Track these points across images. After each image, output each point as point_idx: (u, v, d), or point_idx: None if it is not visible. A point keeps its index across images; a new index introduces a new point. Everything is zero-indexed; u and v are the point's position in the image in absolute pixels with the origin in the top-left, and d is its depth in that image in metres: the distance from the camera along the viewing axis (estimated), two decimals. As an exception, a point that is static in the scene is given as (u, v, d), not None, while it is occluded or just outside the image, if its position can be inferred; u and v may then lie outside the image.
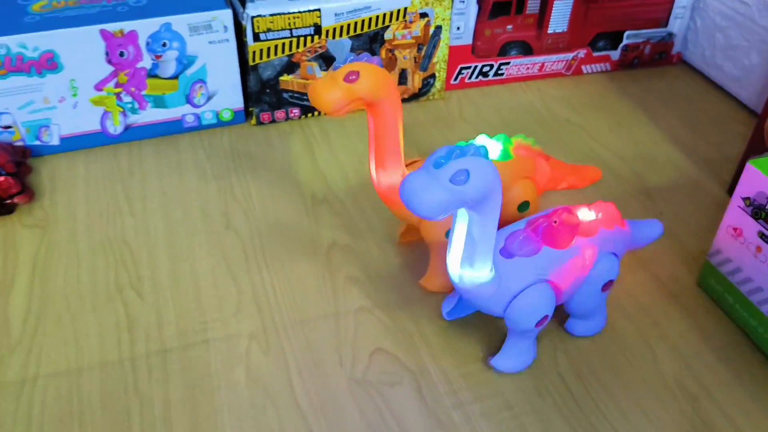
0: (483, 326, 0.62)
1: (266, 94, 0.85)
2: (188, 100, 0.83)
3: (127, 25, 0.76)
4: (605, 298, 0.59)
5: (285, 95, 0.85)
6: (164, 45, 0.78)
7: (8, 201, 0.72)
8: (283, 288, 0.65)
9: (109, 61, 0.77)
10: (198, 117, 0.85)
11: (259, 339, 0.60)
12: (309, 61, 0.83)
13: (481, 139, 0.63)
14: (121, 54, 0.77)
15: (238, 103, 0.86)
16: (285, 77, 0.84)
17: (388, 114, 0.58)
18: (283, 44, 0.81)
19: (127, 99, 0.81)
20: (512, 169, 0.63)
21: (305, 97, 0.86)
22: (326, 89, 0.55)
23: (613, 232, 0.57)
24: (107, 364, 0.58)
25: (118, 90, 0.80)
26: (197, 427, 0.53)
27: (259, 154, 0.82)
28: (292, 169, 0.80)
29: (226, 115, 0.86)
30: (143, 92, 0.81)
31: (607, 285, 0.58)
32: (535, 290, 0.54)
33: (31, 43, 0.74)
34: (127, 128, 0.83)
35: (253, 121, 0.87)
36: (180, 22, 0.77)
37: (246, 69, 0.83)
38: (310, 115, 0.88)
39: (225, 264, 0.68)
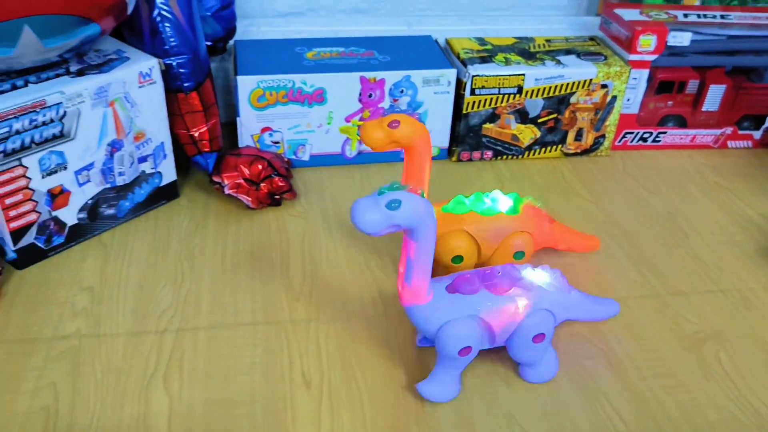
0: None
1: (469, 137, 1.06)
2: (409, 136, 1.05)
3: (379, 74, 0.99)
4: (543, 349, 0.68)
5: (483, 139, 1.06)
6: (402, 91, 1.01)
7: (278, 197, 0.95)
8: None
9: (360, 100, 1.01)
10: (413, 150, 1.07)
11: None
12: (508, 113, 1.04)
13: (496, 193, 0.80)
14: (370, 95, 1.01)
15: (445, 142, 1.07)
16: (487, 125, 1.05)
17: (418, 156, 0.74)
18: (491, 99, 1.03)
19: (365, 130, 1.04)
20: (516, 222, 0.79)
21: (500, 142, 1.07)
22: (374, 130, 0.71)
23: (553, 293, 0.67)
24: (368, 317, 0.78)
25: (360, 123, 1.03)
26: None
27: (458, 184, 1.03)
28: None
29: (434, 152, 1.07)
30: (378, 126, 1.04)
31: (539, 337, 0.67)
32: (464, 321, 0.64)
33: (310, 81, 0.98)
34: (359, 153, 1.06)
35: (455, 158, 1.08)
36: (417, 75, 1.00)
37: (457, 116, 1.04)
38: (500, 157, 1.09)
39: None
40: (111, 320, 0.76)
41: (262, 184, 0.94)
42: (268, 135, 1.01)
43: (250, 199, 0.93)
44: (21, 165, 0.77)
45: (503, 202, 0.80)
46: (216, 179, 0.94)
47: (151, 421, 0.65)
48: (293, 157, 1.04)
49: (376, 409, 0.67)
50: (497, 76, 1.01)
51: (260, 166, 0.94)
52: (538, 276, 0.68)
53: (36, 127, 0.77)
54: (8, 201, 0.78)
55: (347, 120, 1.02)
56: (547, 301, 0.67)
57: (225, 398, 0.67)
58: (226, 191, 0.93)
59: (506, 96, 1.03)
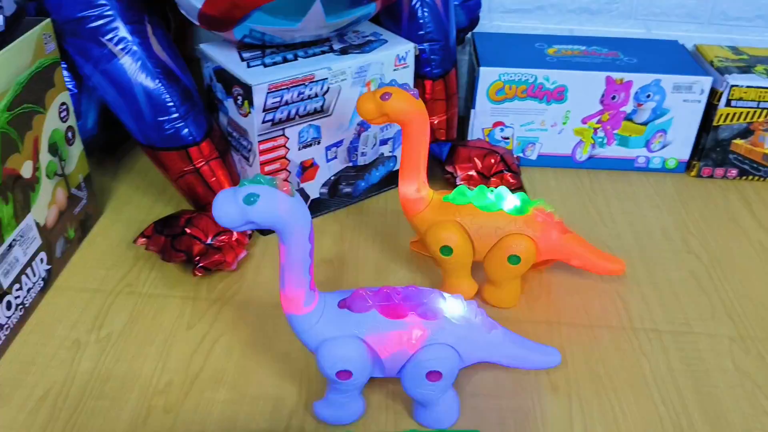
0: None
1: (715, 152, 0.98)
2: (646, 145, 0.99)
3: (627, 76, 0.94)
4: (440, 390, 0.59)
5: (731, 156, 0.98)
6: (648, 96, 0.95)
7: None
8: (745, 303, 0.77)
9: (602, 102, 0.96)
10: (648, 160, 1.00)
11: (737, 341, 0.72)
12: (764, 130, 0.96)
13: (502, 189, 0.73)
14: (613, 97, 0.96)
15: (685, 155, 1.00)
16: (737, 141, 0.97)
17: (413, 135, 0.69)
18: (748, 113, 0.94)
19: (600, 134, 0.99)
20: (517, 224, 0.71)
21: (748, 161, 0.98)
22: (367, 100, 0.69)
23: (461, 327, 0.58)
24: (612, 327, 0.74)
25: (597, 126, 0.98)
26: (698, 390, 0.66)
27: (699, 202, 0.95)
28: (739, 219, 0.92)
29: (671, 164, 1.01)
30: (615, 131, 0.98)
31: (434, 375, 0.58)
32: (344, 341, 0.57)
33: (553, 77, 0.95)
34: (590, 157, 1.01)
35: (694, 172, 1.00)
36: (668, 80, 0.94)
37: (705, 127, 0.97)
38: (745, 177, 1.00)
39: (694, 277, 0.81)
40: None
41: (493, 179, 0.92)
42: (499, 130, 0.99)
43: (481, 192, 0.92)
44: (284, 135, 0.80)
45: (509, 200, 0.73)
46: (449, 169, 0.93)
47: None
48: (521, 154, 1.01)
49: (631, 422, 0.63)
50: (758, 88, 0.93)
51: (493, 160, 0.92)
52: (448, 306, 0.59)
53: (302, 99, 0.79)
54: (267, 168, 0.81)
55: (584, 121, 0.98)
56: (452, 336, 0.58)
57: (470, 391, 0.66)
58: (458, 182, 0.92)
59: (765, 111, 0.94)
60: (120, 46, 0.75)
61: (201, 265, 0.76)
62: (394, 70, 0.85)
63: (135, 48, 0.76)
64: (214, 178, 0.81)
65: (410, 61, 0.86)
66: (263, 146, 0.79)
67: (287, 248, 0.53)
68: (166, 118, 0.77)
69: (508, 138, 1.00)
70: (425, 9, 0.87)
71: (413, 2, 0.87)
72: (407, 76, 0.87)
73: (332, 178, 0.89)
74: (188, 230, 0.76)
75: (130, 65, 0.76)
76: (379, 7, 0.79)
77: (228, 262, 0.77)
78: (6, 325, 0.68)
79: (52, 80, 0.74)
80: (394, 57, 0.84)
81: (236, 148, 0.84)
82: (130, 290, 0.77)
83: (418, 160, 0.71)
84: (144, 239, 0.79)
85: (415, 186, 0.72)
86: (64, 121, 0.77)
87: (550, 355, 0.66)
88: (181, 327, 0.72)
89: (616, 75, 0.94)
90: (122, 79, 0.76)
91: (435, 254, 0.73)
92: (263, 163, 0.80)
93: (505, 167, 0.92)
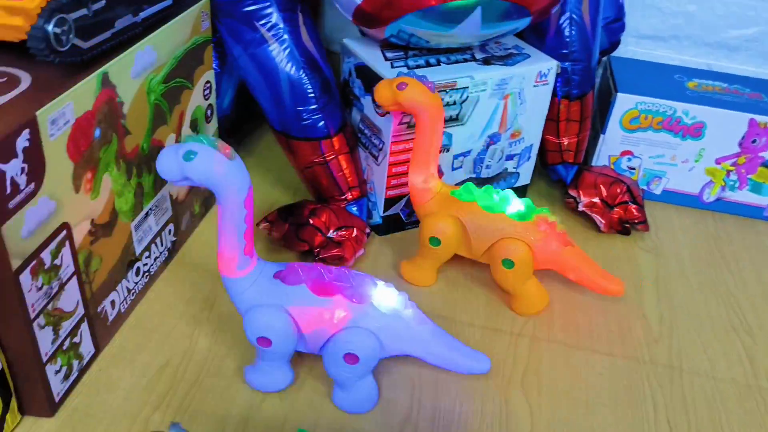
0: None
1: None
2: (782, 194, 0.94)
3: (773, 120, 0.90)
4: (357, 374, 0.60)
5: None
6: (793, 144, 0.90)
7: (628, 225, 0.90)
8: None
9: (741, 144, 0.92)
10: (779, 210, 0.96)
11: None
12: None
13: (509, 193, 0.73)
14: (754, 141, 0.91)
15: (822, 210, 0.95)
16: None
17: (424, 127, 0.70)
18: None
19: (733, 177, 0.94)
20: (516, 228, 0.71)
21: None
22: (385, 87, 0.70)
23: (387, 317, 0.59)
24: (741, 384, 0.70)
25: (731, 168, 0.94)
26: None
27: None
28: None
29: (805, 217, 0.95)
30: (750, 176, 0.94)
31: (351, 357, 0.58)
32: (268, 310, 0.58)
33: (692, 112, 0.91)
34: (718, 199, 0.97)
35: (829, 229, 0.95)
36: (816, 130, 0.89)
37: None
38: None
39: (828, 342, 0.76)
40: (466, 309, 0.76)
41: (617, 209, 0.89)
42: (626, 159, 0.96)
43: (603, 221, 0.89)
44: (413, 138, 0.80)
45: (513, 204, 0.73)
46: (572, 192, 0.90)
47: (512, 425, 0.63)
48: (644, 187, 0.98)
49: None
50: None
51: (619, 190, 0.89)
52: (378, 293, 0.60)
53: (439, 105, 0.78)
54: (395, 170, 0.80)
55: (718, 162, 0.94)
56: (375, 323, 0.59)
57: (588, 425, 0.63)
58: (580, 207, 0.90)
59: None
60: (272, 33, 0.76)
61: (321, 257, 0.76)
62: (534, 86, 0.83)
63: (285, 36, 0.76)
64: (340, 173, 0.81)
65: (551, 78, 0.84)
66: (395, 147, 0.79)
67: (222, 210, 0.55)
68: (305, 108, 0.78)
69: (634, 168, 0.97)
70: (573, 28, 0.85)
71: (562, 19, 0.85)
72: (546, 93, 0.85)
73: (453, 186, 0.87)
74: (312, 221, 0.77)
75: (278, 53, 0.77)
76: (533, 21, 0.77)
77: (346, 258, 0.77)
78: (133, 290, 0.69)
79: (202, 58, 0.76)
80: (536, 73, 0.82)
81: (365, 145, 0.83)
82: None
83: (428, 152, 0.72)
84: (267, 224, 0.79)
85: (423, 176, 0.74)
86: (206, 99, 0.79)
87: (479, 361, 0.65)
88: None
89: (760, 118, 0.90)
90: (269, 65, 0.77)
91: (423, 240, 0.75)
92: (392, 164, 0.80)
93: (630, 198, 0.89)
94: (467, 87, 0.78)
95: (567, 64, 0.86)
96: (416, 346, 0.62)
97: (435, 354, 0.63)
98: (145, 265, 0.71)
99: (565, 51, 0.86)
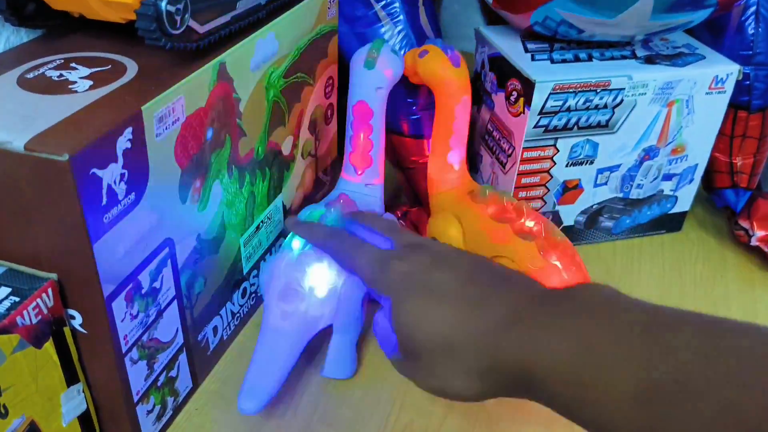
0: None
1: None
2: None
3: None
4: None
5: None
6: None
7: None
8: None
9: None
10: None
11: None
12: None
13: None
14: None
15: None
16: None
17: (442, 105, 0.62)
18: None
19: None
20: (517, 249, 0.56)
21: None
22: (408, 54, 0.63)
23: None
24: None
25: None
26: None
27: None
28: None
29: None
30: None
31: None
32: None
33: None
34: None
35: None
36: None
37: None
38: None
39: None
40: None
41: (798, 244, 0.74)
42: (807, 184, 0.81)
43: (782, 258, 0.74)
44: (554, 146, 0.68)
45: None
46: (743, 223, 0.76)
47: None
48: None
49: None
50: None
51: (801, 222, 0.74)
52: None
53: (587, 108, 0.66)
54: (524, 180, 0.69)
55: None
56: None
57: None
58: (753, 242, 0.75)
59: None
60: (387, 10, 0.66)
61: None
62: (707, 93, 0.69)
63: (401, 17, 0.67)
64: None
65: (729, 85, 0.70)
66: (527, 154, 0.67)
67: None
68: (414, 100, 0.68)
69: (815, 196, 0.81)
70: (760, 25, 0.70)
71: (745, 14, 0.71)
72: (721, 103, 0.71)
73: (595, 206, 0.75)
74: (403, 223, 0.69)
75: (392, 36, 0.67)
76: (714, 13, 0.64)
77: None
78: (237, 314, 0.61)
79: (326, 50, 0.66)
80: (712, 78, 0.69)
81: (492, 149, 0.72)
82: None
83: (444, 137, 0.63)
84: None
85: (439, 164, 0.64)
86: (327, 98, 0.69)
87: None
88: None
89: None
90: (390, 49, 0.67)
91: (429, 235, 0.66)
92: (521, 174, 0.68)
93: (815, 233, 0.74)
94: (623, 88, 0.66)
95: (749, 68, 0.72)
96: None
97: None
98: (252, 285, 0.62)
99: (746, 53, 0.71)
